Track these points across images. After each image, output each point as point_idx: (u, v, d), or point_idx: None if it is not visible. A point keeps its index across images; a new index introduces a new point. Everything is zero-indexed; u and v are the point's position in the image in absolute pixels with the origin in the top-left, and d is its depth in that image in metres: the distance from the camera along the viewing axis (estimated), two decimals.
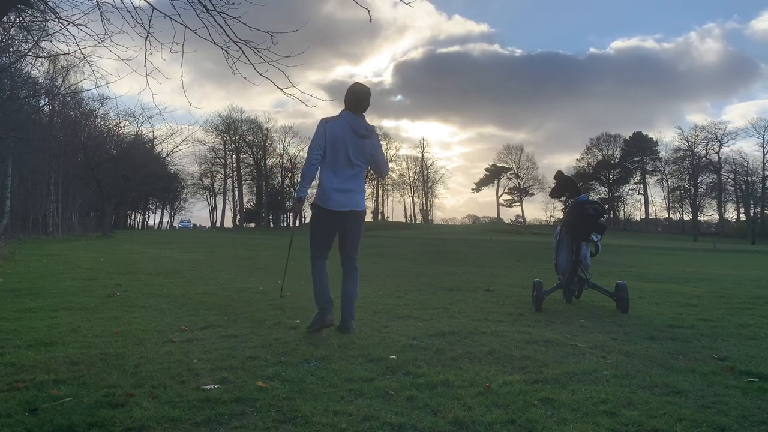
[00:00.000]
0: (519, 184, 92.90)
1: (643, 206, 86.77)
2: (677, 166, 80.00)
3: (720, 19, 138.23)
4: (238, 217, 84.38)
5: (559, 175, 6.63)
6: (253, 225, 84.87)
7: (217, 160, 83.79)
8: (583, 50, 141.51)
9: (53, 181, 33.18)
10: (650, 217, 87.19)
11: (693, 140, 77.38)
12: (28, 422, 2.34)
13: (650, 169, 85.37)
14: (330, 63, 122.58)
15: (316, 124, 4.30)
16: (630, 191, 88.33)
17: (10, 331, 4.19)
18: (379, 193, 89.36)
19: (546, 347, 3.89)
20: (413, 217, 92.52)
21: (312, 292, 4.30)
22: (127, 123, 40.18)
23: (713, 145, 75.72)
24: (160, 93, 68.53)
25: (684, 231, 77.05)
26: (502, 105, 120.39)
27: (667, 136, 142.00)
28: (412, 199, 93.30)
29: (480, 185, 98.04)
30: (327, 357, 3.49)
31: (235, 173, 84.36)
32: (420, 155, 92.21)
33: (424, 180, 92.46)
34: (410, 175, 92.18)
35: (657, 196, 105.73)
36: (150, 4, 5.65)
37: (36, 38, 11.21)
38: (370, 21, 6.24)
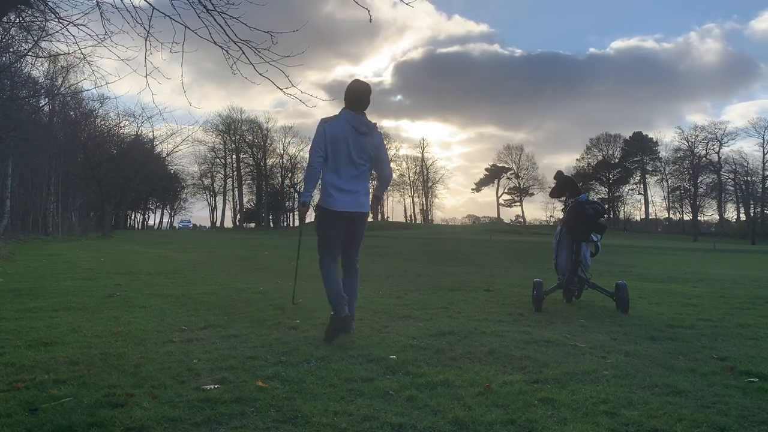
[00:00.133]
0: (519, 184, 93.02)
1: (643, 206, 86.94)
2: (677, 166, 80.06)
3: (720, 19, 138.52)
4: (238, 217, 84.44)
5: (559, 175, 6.63)
6: (253, 225, 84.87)
7: (217, 160, 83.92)
8: (583, 50, 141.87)
9: (53, 181, 33.19)
10: (650, 217, 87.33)
11: (693, 140, 77.52)
12: (28, 422, 2.34)
13: (650, 169, 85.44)
14: (330, 63, 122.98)
15: (317, 125, 4.22)
16: (630, 191, 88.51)
17: (10, 331, 4.19)
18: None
19: (546, 347, 3.89)
20: (413, 217, 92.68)
21: (315, 291, 4.24)
22: (127, 123, 40.28)
23: (713, 145, 75.87)
24: (160, 93, 68.53)
25: (684, 231, 77.08)
26: (502, 105, 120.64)
27: (667, 136, 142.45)
28: (412, 199, 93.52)
29: (480, 185, 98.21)
30: (327, 357, 3.49)
31: (235, 173, 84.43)
32: (420, 155, 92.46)
33: (424, 180, 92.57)
34: (410, 175, 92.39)
35: (657, 196, 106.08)
36: (150, 4, 5.65)
37: (36, 38, 11.24)
38: (370, 21, 6.24)
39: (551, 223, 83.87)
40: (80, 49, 6.96)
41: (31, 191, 32.68)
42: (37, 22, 9.94)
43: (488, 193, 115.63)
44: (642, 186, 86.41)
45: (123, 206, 57.41)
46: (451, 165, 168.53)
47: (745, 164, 72.46)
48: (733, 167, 73.65)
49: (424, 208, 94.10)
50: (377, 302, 5.94)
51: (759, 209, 73.66)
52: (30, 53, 12.86)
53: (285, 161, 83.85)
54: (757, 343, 4.20)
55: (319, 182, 4.25)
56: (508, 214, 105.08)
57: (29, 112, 23.16)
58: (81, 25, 6.40)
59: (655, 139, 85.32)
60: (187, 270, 9.84)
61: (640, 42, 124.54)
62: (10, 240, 20.82)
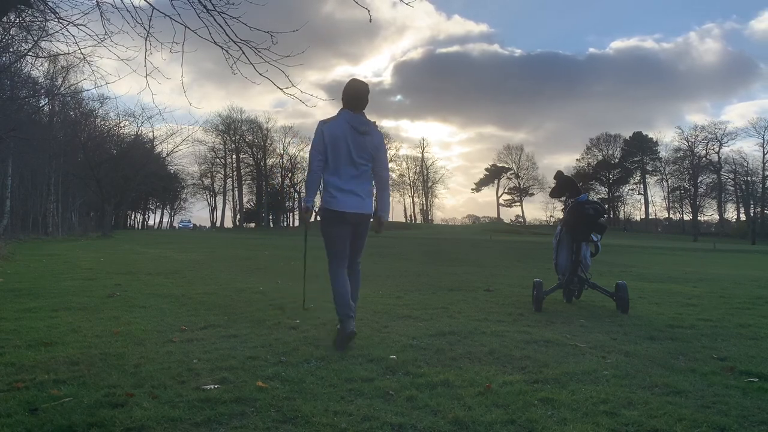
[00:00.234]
0: (519, 184, 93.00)
1: (643, 206, 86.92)
2: (677, 166, 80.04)
3: (719, 19, 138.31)
4: (238, 217, 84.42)
5: (559, 175, 6.64)
6: (253, 225, 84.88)
7: (217, 160, 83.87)
8: (583, 50, 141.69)
9: (53, 181, 33.19)
10: (650, 217, 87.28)
11: (693, 140, 77.47)
12: (28, 422, 2.34)
13: (650, 169, 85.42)
14: (330, 63, 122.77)
15: (316, 126, 4.19)
16: (630, 191, 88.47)
17: (10, 331, 4.19)
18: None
19: (546, 347, 3.89)
20: (413, 217, 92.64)
21: (318, 291, 4.23)
22: (127, 123, 40.26)
23: (713, 145, 75.82)
24: (160, 93, 68.53)
25: (684, 231, 77.06)
26: (502, 105, 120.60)
27: (667, 136, 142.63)
28: (412, 199, 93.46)
29: (480, 185, 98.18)
30: (327, 357, 3.50)
31: (235, 173, 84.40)
32: (420, 155, 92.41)
33: (424, 180, 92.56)
34: (410, 175, 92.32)
35: (657, 196, 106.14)
36: (150, 4, 5.65)
37: (36, 38, 11.24)
38: (370, 21, 6.24)
39: (551, 223, 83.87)
40: (80, 49, 6.94)
41: (31, 191, 32.68)
42: (37, 22, 9.95)
43: (488, 193, 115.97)
44: (642, 186, 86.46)
45: (123, 206, 57.36)
46: (451, 165, 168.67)
47: (745, 164, 72.57)
48: (733, 167, 73.71)
49: (424, 208, 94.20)
50: (377, 302, 5.94)
51: (759, 209, 73.67)
52: (30, 53, 12.87)
53: (285, 161, 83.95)
54: (757, 343, 4.21)
55: (321, 184, 4.22)
56: (508, 214, 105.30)
57: (29, 112, 23.16)
58: (81, 25, 6.39)
59: (655, 139, 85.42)
60: (187, 270, 9.84)
61: (639, 42, 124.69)
62: (10, 240, 20.83)
